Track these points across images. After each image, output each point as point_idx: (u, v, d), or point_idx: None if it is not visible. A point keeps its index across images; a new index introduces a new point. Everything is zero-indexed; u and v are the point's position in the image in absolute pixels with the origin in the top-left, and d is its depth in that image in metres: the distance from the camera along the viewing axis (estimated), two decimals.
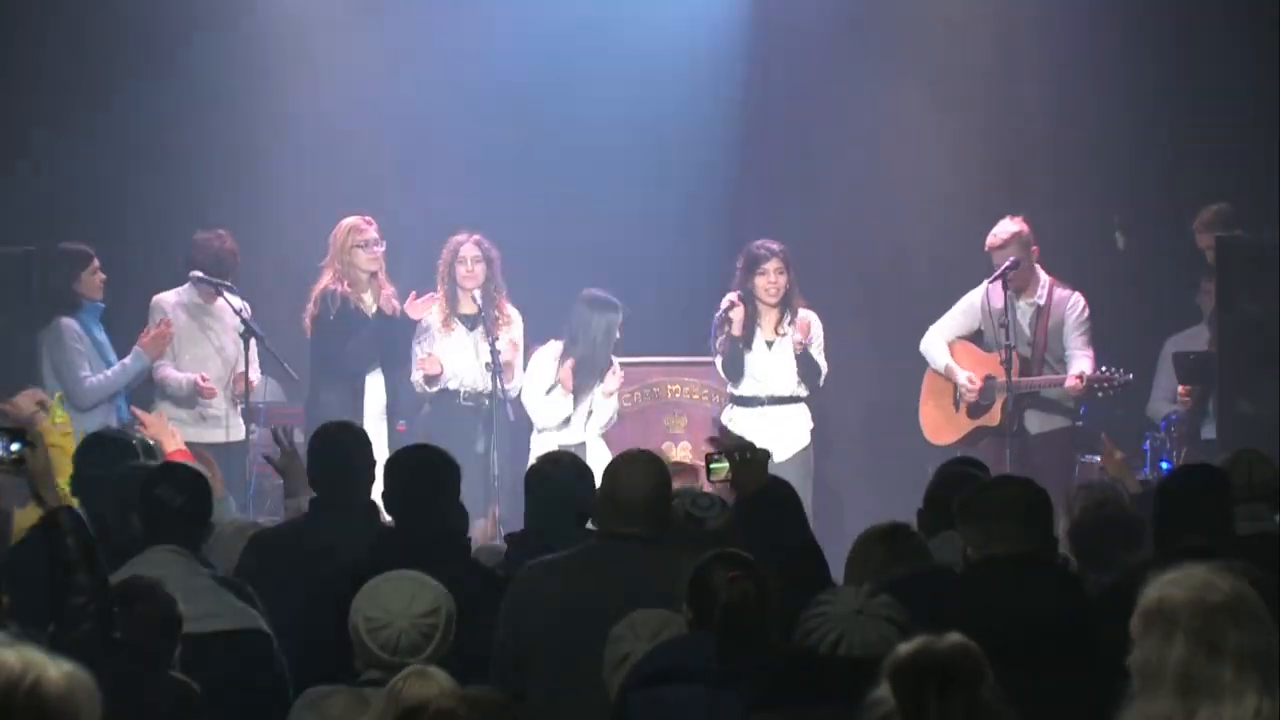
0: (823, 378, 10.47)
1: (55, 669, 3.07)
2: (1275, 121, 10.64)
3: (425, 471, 6.02)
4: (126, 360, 10.16)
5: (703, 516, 5.92)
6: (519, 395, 10.51)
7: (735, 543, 5.51)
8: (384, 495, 6.05)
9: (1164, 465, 10.32)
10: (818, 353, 10.46)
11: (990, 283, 10.21)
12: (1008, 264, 10.15)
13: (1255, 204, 10.62)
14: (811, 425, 10.51)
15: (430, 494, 5.95)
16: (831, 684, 3.86)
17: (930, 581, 5.16)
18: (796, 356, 10.35)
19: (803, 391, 10.47)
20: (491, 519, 9.81)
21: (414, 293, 10.39)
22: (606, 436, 10.48)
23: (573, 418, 10.44)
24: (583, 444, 10.20)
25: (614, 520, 5.55)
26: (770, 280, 10.36)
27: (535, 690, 5.26)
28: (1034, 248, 10.36)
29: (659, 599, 5.04)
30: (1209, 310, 10.42)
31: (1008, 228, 10.31)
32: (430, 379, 10.35)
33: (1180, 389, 10.42)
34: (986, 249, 10.33)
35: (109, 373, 10.09)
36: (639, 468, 5.65)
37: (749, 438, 10.05)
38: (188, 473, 5.89)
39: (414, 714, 3.69)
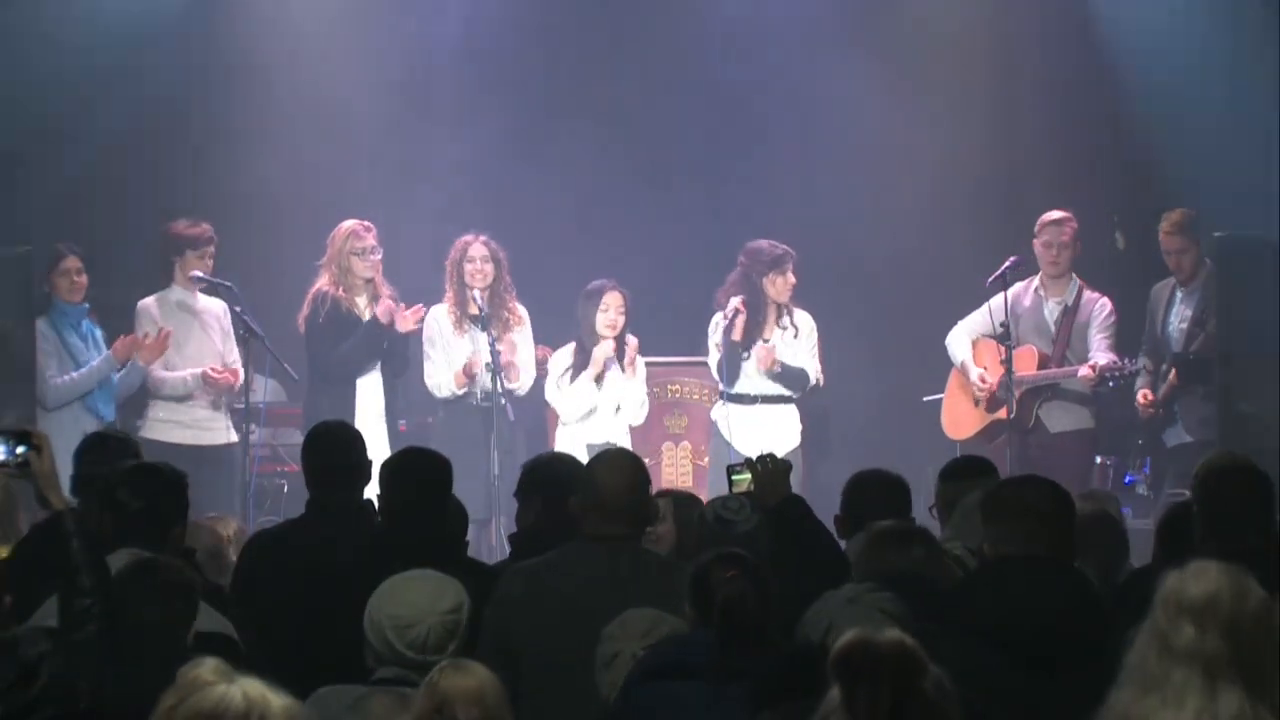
0: (812, 381, 10.46)
1: (277, 702, 3.13)
2: (1275, 121, 10.64)
3: (416, 475, 6.04)
4: (95, 363, 10.14)
5: (733, 519, 5.92)
6: (524, 394, 10.49)
7: (764, 545, 5.53)
8: (378, 499, 6.06)
9: (1126, 480, 10.32)
10: (809, 356, 10.45)
11: (990, 282, 10.23)
12: (1008, 264, 10.18)
13: (1255, 204, 10.62)
14: (802, 425, 10.51)
15: (422, 497, 5.96)
16: (822, 676, 3.86)
17: (924, 580, 5.17)
18: (773, 376, 10.35)
19: (797, 394, 10.48)
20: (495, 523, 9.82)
21: (401, 305, 10.36)
22: (633, 431, 10.47)
23: (598, 408, 10.40)
24: (608, 442, 10.14)
25: (596, 521, 5.56)
26: (788, 281, 10.37)
27: (525, 692, 5.26)
28: (1037, 241, 10.36)
29: (644, 598, 5.06)
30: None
31: (1049, 215, 10.35)
32: (469, 380, 10.33)
33: (1140, 396, 10.43)
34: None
35: (75, 374, 10.07)
36: (618, 468, 5.67)
37: (741, 435, 10.23)
38: (152, 473, 5.86)
39: None
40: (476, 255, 10.43)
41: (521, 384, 10.44)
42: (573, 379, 10.41)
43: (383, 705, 4.50)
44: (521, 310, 10.53)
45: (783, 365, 10.38)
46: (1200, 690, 3.59)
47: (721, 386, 10.49)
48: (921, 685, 3.42)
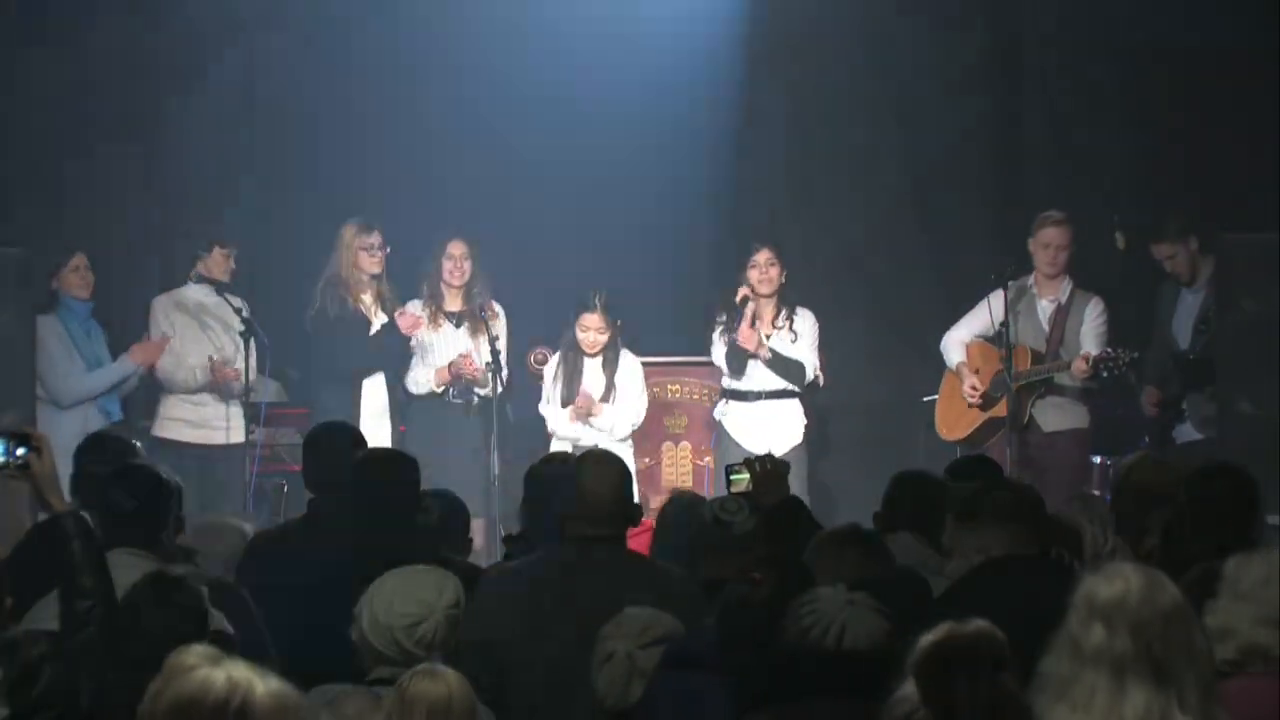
0: (810, 375, 10.42)
1: (262, 687, 3.14)
2: (1275, 121, 10.64)
3: (380, 476, 6.13)
4: (114, 365, 10.16)
5: (730, 520, 5.93)
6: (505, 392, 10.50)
7: (762, 546, 5.53)
8: (352, 501, 6.09)
9: None
10: (807, 350, 10.41)
11: (993, 278, 10.23)
12: (1009, 267, 10.20)
13: (1255, 204, 10.62)
14: (805, 422, 10.50)
15: (387, 498, 6.03)
16: (834, 677, 3.87)
17: (909, 583, 5.18)
18: (766, 362, 10.33)
19: (797, 387, 10.46)
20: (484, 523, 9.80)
21: (401, 310, 10.38)
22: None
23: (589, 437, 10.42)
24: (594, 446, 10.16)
25: (579, 522, 5.57)
26: (761, 272, 10.35)
27: (510, 692, 5.26)
28: (1033, 241, 10.37)
29: (627, 598, 5.07)
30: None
31: (1047, 216, 10.36)
32: (454, 379, 10.33)
33: (1146, 396, 10.44)
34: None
35: (92, 375, 10.08)
36: (600, 469, 5.69)
37: (743, 433, 10.22)
38: (143, 474, 5.87)
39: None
40: (456, 253, 10.48)
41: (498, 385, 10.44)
42: (561, 396, 10.37)
43: (355, 706, 4.50)
44: (498, 307, 10.55)
45: (773, 351, 10.34)
46: (1108, 690, 3.60)
47: (723, 381, 10.47)
48: (1008, 676, 3.43)
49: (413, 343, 10.47)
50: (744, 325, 10.28)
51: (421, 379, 10.45)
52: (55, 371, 10.01)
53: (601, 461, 5.80)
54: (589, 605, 5.14)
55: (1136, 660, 3.60)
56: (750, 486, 6.02)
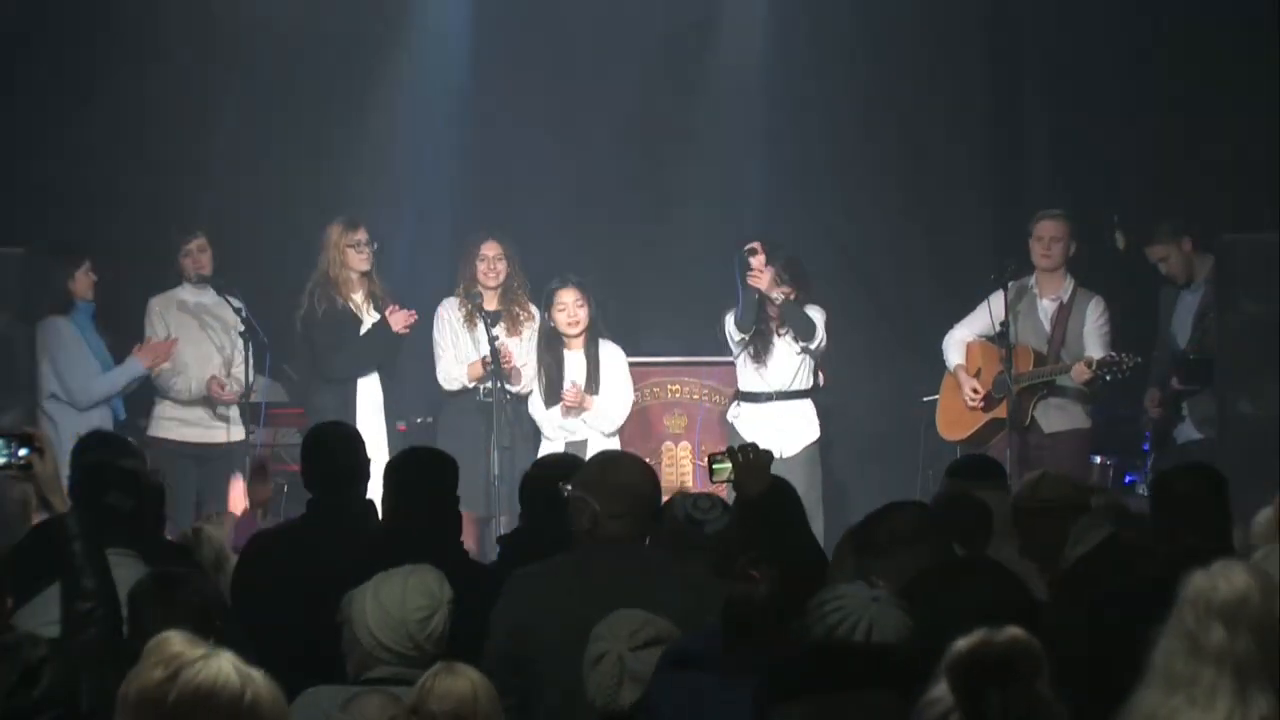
0: (819, 336, 10.31)
1: (263, 683, 3.21)
2: (1275, 121, 10.64)
3: (420, 475, 6.09)
4: (125, 365, 10.18)
5: (703, 519, 5.90)
6: (526, 394, 10.50)
7: (736, 545, 5.50)
8: (382, 499, 6.07)
9: (1127, 480, 10.34)
10: (818, 317, 10.38)
11: (992, 279, 10.22)
12: (1009, 267, 10.20)
13: (1255, 204, 10.62)
14: (819, 421, 10.48)
15: (425, 497, 5.99)
16: (865, 670, 3.87)
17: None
18: (779, 308, 10.27)
19: (807, 384, 10.43)
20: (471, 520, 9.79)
21: (394, 306, 10.36)
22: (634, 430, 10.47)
23: (566, 421, 10.41)
24: (585, 441, 10.17)
25: (618, 525, 5.48)
26: (759, 275, 10.29)
27: (538, 696, 5.24)
28: (1030, 238, 10.36)
29: (653, 600, 5.03)
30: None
31: (1041, 212, 10.36)
32: (485, 372, 10.34)
33: (1148, 399, 10.45)
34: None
35: (108, 376, 10.11)
36: (639, 470, 5.63)
37: (757, 434, 10.19)
38: (130, 475, 5.87)
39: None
40: (489, 253, 10.46)
41: (525, 384, 10.44)
42: (544, 391, 10.38)
43: (375, 706, 4.49)
44: (533, 309, 10.53)
45: (786, 299, 10.27)
46: (1231, 692, 3.56)
47: (738, 384, 10.42)
48: (1041, 684, 3.42)
49: (437, 336, 10.43)
50: (754, 269, 10.22)
51: (457, 375, 10.41)
52: (76, 373, 10.04)
53: (636, 462, 5.74)
54: (616, 606, 5.10)
55: (1260, 664, 3.56)
56: (733, 476, 5.97)
